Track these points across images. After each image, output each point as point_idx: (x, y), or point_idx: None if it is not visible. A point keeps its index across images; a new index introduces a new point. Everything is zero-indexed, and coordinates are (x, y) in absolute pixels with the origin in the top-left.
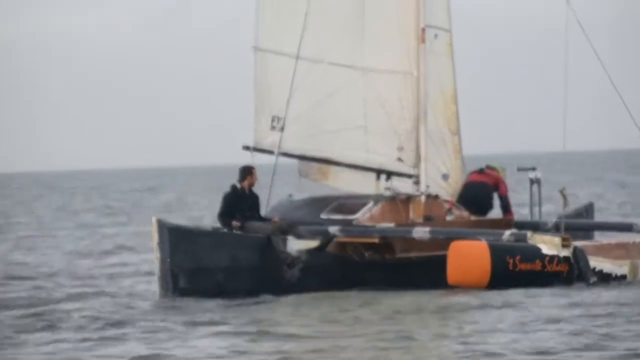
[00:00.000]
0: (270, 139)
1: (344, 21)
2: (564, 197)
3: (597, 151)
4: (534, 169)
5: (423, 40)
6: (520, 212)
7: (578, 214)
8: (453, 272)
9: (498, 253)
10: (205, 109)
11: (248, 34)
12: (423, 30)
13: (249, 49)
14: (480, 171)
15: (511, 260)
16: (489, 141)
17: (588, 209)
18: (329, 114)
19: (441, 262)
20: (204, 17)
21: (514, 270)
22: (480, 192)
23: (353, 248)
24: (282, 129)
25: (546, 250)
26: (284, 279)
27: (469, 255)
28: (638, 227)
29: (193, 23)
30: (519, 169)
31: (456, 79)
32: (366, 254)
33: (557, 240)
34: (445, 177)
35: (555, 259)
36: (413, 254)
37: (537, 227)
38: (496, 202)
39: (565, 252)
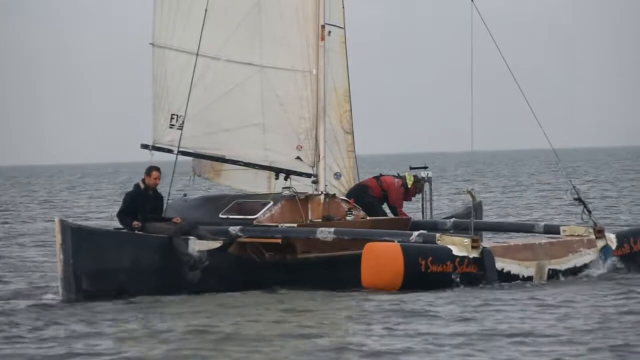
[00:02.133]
0: (169, 137)
1: (243, 18)
2: (472, 196)
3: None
4: (425, 167)
5: (323, 38)
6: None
7: (467, 213)
8: (367, 274)
9: (411, 255)
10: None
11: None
12: (323, 27)
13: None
14: (376, 177)
15: (423, 262)
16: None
17: (477, 209)
18: (228, 111)
19: (343, 262)
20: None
21: (426, 272)
22: (353, 193)
23: (253, 248)
24: (180, 127)
25: (457, 251)
26: (186, 280)
27: (383, 257)
28: (539, 228)
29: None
30: (412, 168)
31: (350, 77)
32: (267, 255)
33: (466, 241)
34: (337, 176)
35: (466, 260)
36: (314, 255)
37: (435, 227)
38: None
39: (474, 254)
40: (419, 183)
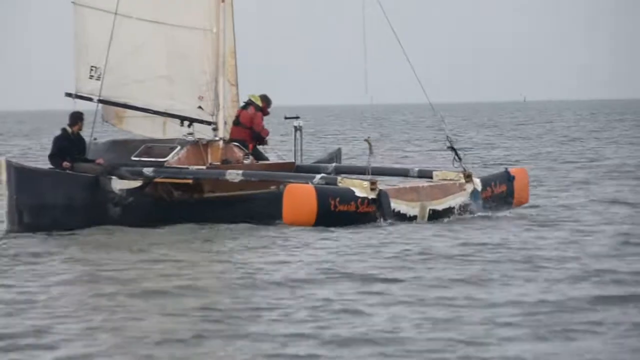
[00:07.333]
0: (89, 87)
1: None
2: (370, 145)
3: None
4: (297, 117)
5: (223, 0)
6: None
7: (330, 158)
8: (287, 212)
9: (323, 195)
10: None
11: None
12: None
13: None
14: (244, 107)
15: (333, 202)
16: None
17: (337, 154)
18: (139, 65)
19: (243, 200)
20: None
21: (335, 211)
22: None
23: (164, 188)
24: (98, 78)
25: (358, 192)
26: (108, 216)
27: (300, 197)
28: (414, 172)
29: None
30: (286, 118)
31: (235, 34)
32: (175, 194)
33: (365, 184)
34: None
35: (366, 201)
36: (218, 194)
37: (318, 171)
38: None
39: (372, 195)
40: (266, 98)
